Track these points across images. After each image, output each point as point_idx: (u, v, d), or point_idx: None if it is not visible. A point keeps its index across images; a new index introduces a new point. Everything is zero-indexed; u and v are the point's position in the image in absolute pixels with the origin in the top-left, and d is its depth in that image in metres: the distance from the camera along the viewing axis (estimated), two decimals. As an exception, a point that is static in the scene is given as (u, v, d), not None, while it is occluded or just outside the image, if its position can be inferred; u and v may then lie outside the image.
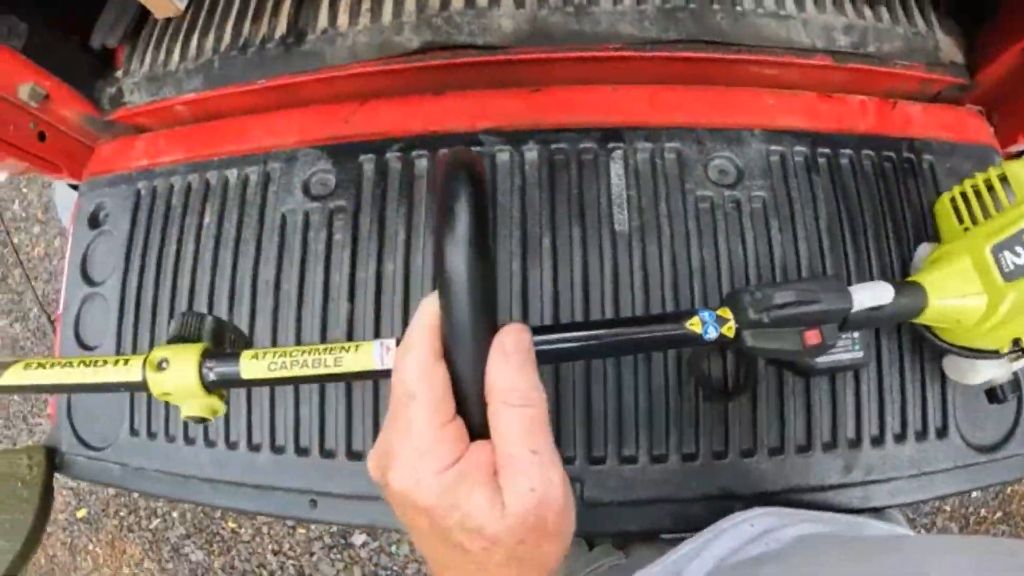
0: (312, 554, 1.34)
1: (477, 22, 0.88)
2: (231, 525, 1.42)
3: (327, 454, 0.80)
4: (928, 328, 0.76)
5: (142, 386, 0.51)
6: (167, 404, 0.87)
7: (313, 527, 1.35)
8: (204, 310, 0.85)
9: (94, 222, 0.96)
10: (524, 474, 0.38)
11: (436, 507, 0.38)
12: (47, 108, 0.95)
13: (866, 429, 0.83)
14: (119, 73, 1.00)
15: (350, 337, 0.79)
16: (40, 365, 0.54)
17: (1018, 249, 0.65)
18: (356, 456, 0.80)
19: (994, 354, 0.71)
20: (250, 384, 0.51)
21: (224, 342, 0.54)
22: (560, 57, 0.83)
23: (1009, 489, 1.72)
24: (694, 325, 0.56)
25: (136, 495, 1.48)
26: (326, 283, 0.81)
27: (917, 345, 0.86)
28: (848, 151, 0.88)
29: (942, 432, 0.87)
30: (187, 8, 0.95)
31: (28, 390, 0.56)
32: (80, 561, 1.54)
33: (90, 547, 1.54)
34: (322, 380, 0.52)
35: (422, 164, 0.83)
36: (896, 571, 0.44)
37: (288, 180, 0.85)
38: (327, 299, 0.81)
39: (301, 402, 0.80)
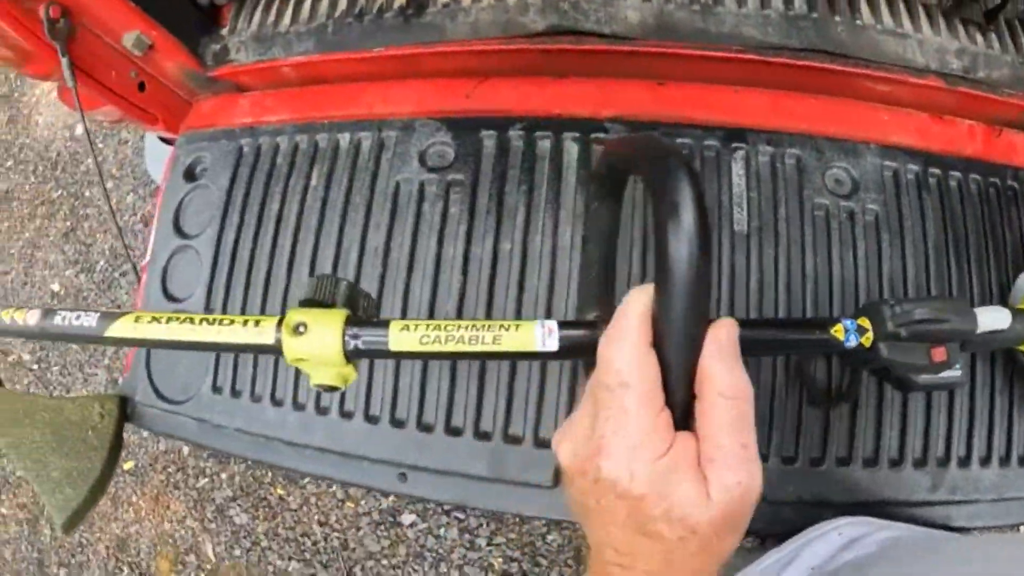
0: (359, 528, 1.32)
1: (604, 11, 0.87)
2: (279, 492, 1.40)
3: (424, 427, 0.78)
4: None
5: (274, 349, 0.48)
6: (254, 363, 0.85)
7: (363, 503, 1.33)
8: (305, 272, 0.83)
9: (190, 175, 0.93)
10: (732, 468, 0.38)
11: (647, 496, 0.38)
12: (150, 58, 0.93)
13: (955, 449, 0.83)
14: (224, 31, 0.97)
15: (460, 313, 0.78)
16: (154, 319, 0.52)
17: None
18: (454, 432, 0.78)
19: None
20: (398, 356, 0.49)
21: (358, 309, 0.52)
22: (686, 54, 0.82)
23: None
24: (837, 332, 0.56)
25: (201, 453, 1.45)
26: (438, 255, 0.79)
27: (1008, 370, 0.86)
28: (956, 173, 0.88)
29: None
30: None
31: (136, 343, 0.54)
32: (122, 512, 1.51)
33: (133, 499, 1.51)
34: (475, 357, 0.50)
35: (545, 145, 0.82)
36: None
37: (404, 149, 0.83)
38: (438, 271, 0.79)
39: (402, 373, 0.78)
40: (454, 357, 0.49)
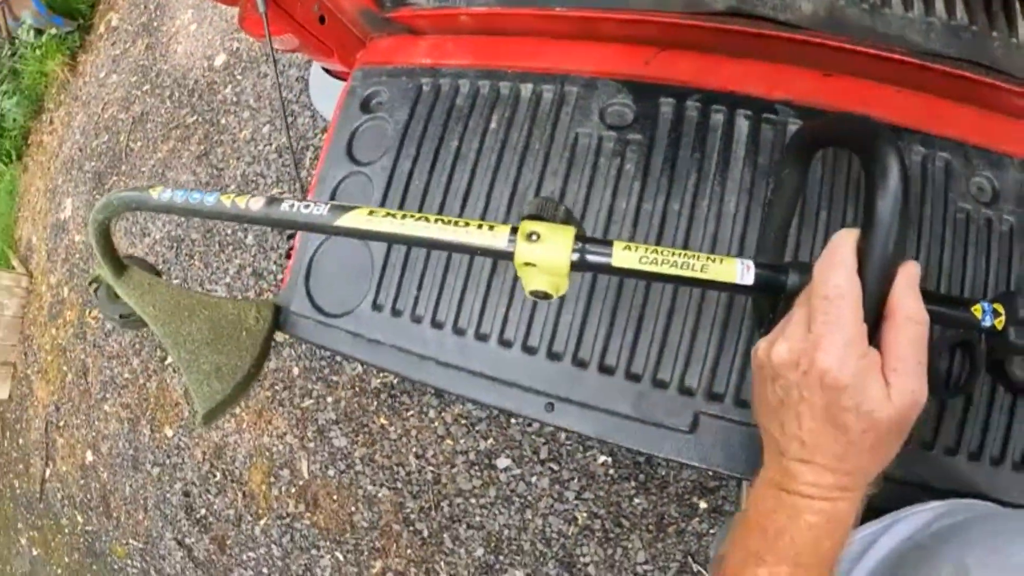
0: (453, 466, 1.36)
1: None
2: (382, 421, 1.43)
3: (579, 363, 0.82)
4: None
5: (505, 254, 0.54)
6: (419, 285, 0.88)
7: (462, 441, 1.36)
8: (480, 208, 0.86)
9: (366, 107, 0.96)
10: (910, 377, 0.46)
11: (849, 387, 0.45)
12: (332, -6, 0.95)
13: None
14: (402, -24, 0.99)
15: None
16: (389, 214, 0.55)
17: None
18: (607, 370, 0.82)
19: None
20: (618, 273, 0.55)
21: (579, 228, 0.57)
22: (855, 49, 0.85)
23: None
24: (976, 311, 0.61)
25: (310, 375, 1.47)
26: (611, 207, 0.83)
27: None
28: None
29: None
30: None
31: (369, 236, 0.57)
32: (223, 422, 1.54)
33: (236, 411, 1.54)
34: (681, 282, 0.55)
35: (718, 118, 0.85)
36: None
37: (586, 104, 0.86)
38: (609, 221, 0.82)
39: (564, 309, 0.82)
40: (664, 279, 0.54)
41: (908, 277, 0.47)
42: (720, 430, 0.81)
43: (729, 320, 0.82)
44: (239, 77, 2.03)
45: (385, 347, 0.90)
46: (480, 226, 0.55)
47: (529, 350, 0.84)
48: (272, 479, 1.48)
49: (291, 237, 1.00)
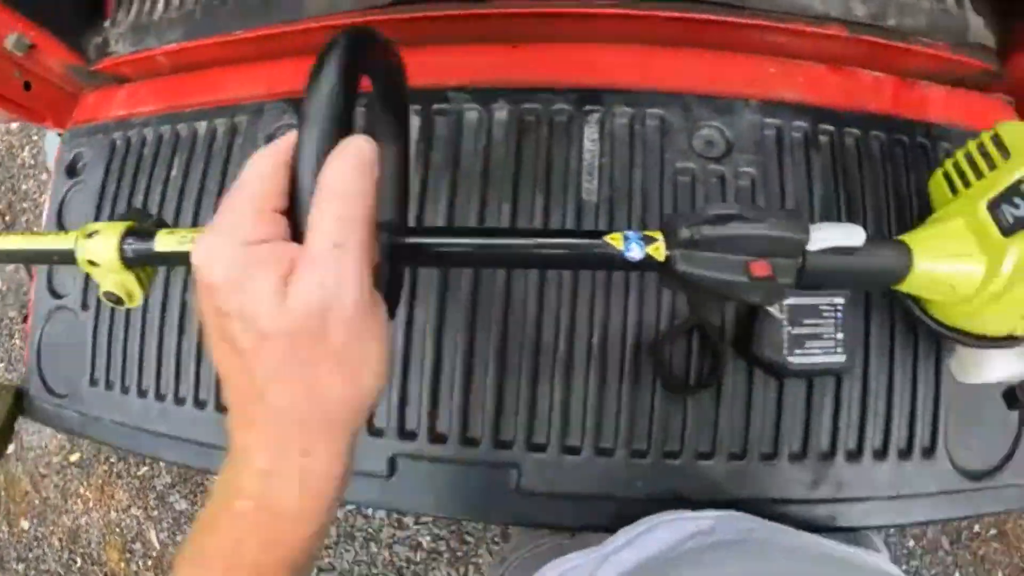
0: None
1: None
2: (216, 477, 1.38)
3: None
4: (925, 310, 0.64)
5: (71, 254, 0.51)
6: (124, 354, 0.83)
7: None
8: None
9: (72, 171, 0.92)
10: (317, 267, 0.32)
11: (222, 286, 0.32)
12: (33, 58, 0.91)
13: (842, 442, 0.72)
14: (107, 23, 0.94)
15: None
16: None
17: (1017, 201, 0.54)
18: None
19: (1008, 341, 0.59)
20: (164, 260, 0.49)
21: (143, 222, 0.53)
22: (541, 12, 0.73)
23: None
24: (615, 241, 0.46)
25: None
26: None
27: (910, 353, 0.74)
28: (854, 130, 0.76)
29: (928, 452, 0.76)
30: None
31: None
32: (71, 504, 1.54)
33: (81, 490, 1.54)
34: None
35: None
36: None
37: (253, 133, 0.78)
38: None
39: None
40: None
41: (340, 150, 0.33)
42: (421, 470, 0.71)
43: (410, 352, 0.71)
44: (35, 138, 1.98)
45: (106, 422, 0.84)
46: (56, 235, 0.53)
47: (222, 409, 0.76)
48: (128, 555, 1.46)
49: (25, 319, 0.96)
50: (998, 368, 0.65)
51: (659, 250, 0.46)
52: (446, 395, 0.71)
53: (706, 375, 0.70)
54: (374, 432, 0.71)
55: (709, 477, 0.70)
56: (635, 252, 0.46)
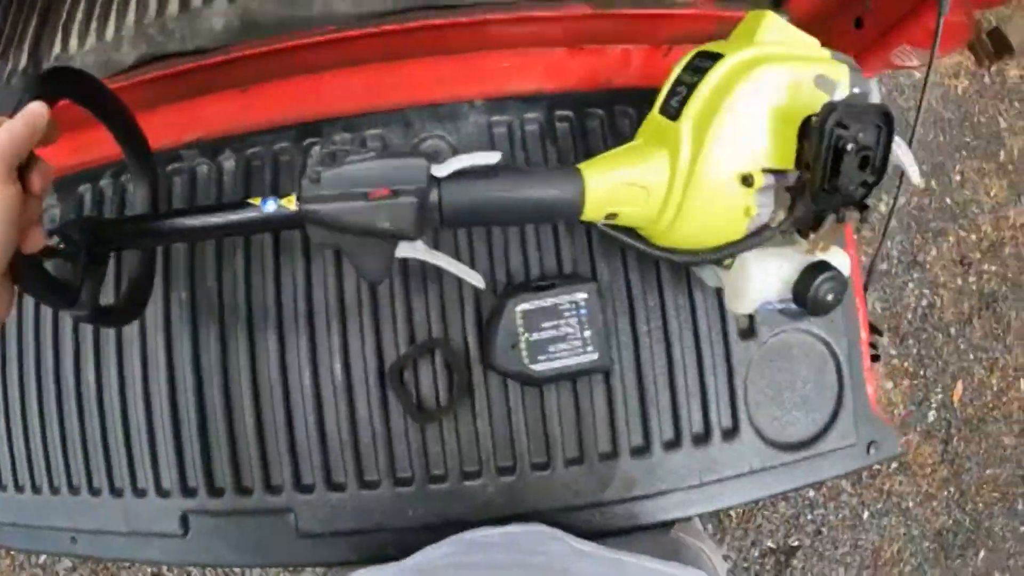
0: None
1: (189, 26, 0.77)
2: None
3: (74, 491, 0.73)
4: (650, 245, 0.59)
5: None
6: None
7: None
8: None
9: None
10: None
11: None
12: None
13: (623, 439, 0.68)
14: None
15: None
16: None
17: (678, 90, 0.55)
18: (96, 492, 0.73)
19: (736, 245, 0.54)
20: None
21: None
22: (258, 52, 0.71)
23: (903, 439, 1.45)
24: (255, 202, 0.52)
25: None
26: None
27: (691, 336, 0.69)
28: (599, 110, 0.70)
29: (732, 433, 0.70)
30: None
31: None
32: None
33: None
34: None
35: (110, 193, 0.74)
36: None
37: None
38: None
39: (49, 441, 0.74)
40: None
41: None
42: (210, 524, 0.70)
43: (177, 411, 0.70)
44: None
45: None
46: None
47: (54, 490, 0.76)
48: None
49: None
50: (756, 285, 0.56)
51: (291, 201, 0.51)
52: (215, 449, 0.70)
53: (454, 395, 0.66)
54: (162, 493, 0.71)
55: (482, 496, 0.67)
56: (270, 206, 0.51)
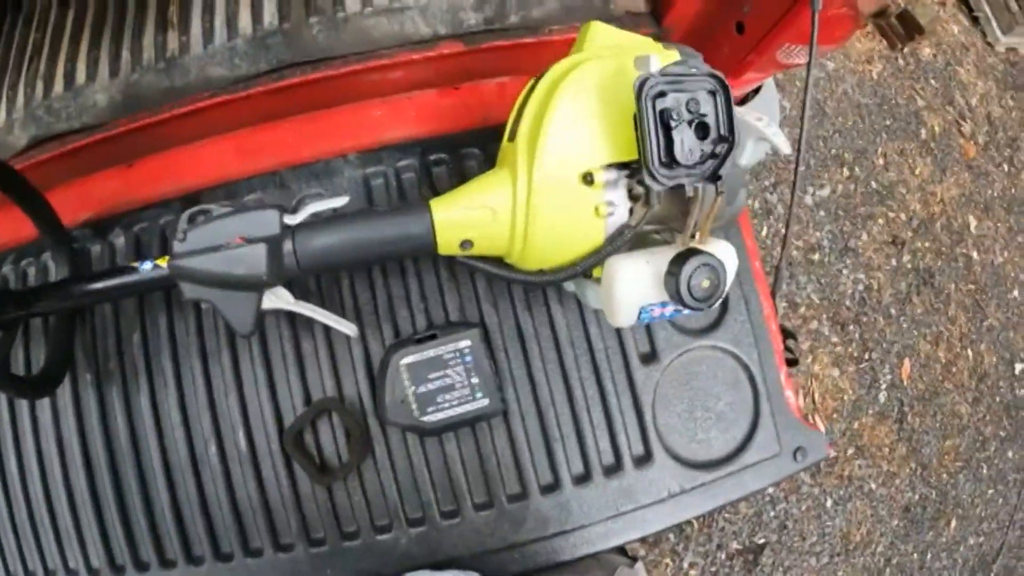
0: None
1: (74, 103, 0.77)
2: None
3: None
4: (509, 267, 0.58)
5: None
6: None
7: None
8: None
9: None
10: None
11: None
12: None
13: (531, 478, 0.67)
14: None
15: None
16: None
17: (519, 117, 0.54)
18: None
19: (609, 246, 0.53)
20: None
21: None
22: (140, 125, 0.70)
23: (856, 423, 1.45)
24: (134, 265, 0.56)
25: None
26: None
27: (589, 363, 0.68)
28: (475, 149, 0.70)
29: (645, 459, 0.70)
30: None
31: None
32: None
33: None
34: None
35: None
36: None
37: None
38: None
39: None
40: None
41: None
42: None
43: (98, 492, 0.68)
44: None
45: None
46: None
47: None
48: None
49: None
50: (626, 288, 0.53)
51: (164, 260, 0.55)
52: (136, 526, 0.68)
53: (349, 455, 0.65)
54: (92, 572, 0.68)
55: (396, 549, 0.66)
56: (147, 267, 0.55)
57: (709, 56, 0.80)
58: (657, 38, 0.76)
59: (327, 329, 0.67)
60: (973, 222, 1.64)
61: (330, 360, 0.67)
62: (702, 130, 0.45)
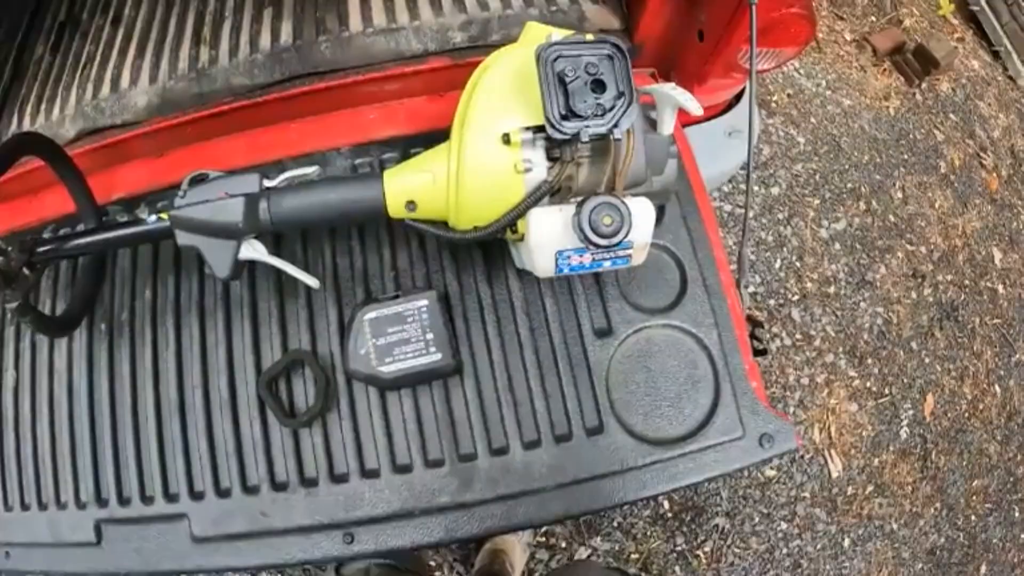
0: None
1: (118, 104, 0.91)
2: None
3: (21, 506, 0.80)
4: (447, 227, 0.66)
5: None
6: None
7: None
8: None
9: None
10: None
11: None
12: None
13: (483, 439, 0.71)
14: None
15: None
16: None
17: None
18: (26, 507, 0.79)
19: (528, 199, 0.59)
20: None
21: None
22: (170, 124, 0.84)
23: (876, 460, 1.35)
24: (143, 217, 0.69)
25: None
26: None
27: (544, 332, 0.74)
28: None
29: (597, 430, 0.73)
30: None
31: None
32: None
33: None
34: None
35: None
36: None
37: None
38: None
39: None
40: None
41: None
42: (120, 533, 0.75)
43: (96, 426, 0.77)
44: None
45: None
46: None
47: None
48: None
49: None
50: (541, 233, 0.59)
51: (166, 215, 0.65)
52: (124, 462, 0.76)
53: (317, 403, 0.71)
54: (80, 505, 0.76)
55: (356, 498, 0.70)
56: (152, 218, 0.66)
57: (679, 65, 0.89)
58: (631, 52, 0.85)
59: (308, 293, 0.76)
60: (998, 255, 1.60)
61: (308, 320, 0.75)
62: (599, 87, 0.53)
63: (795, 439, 0.75)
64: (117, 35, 0.98)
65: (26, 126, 0.95)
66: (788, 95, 1.66)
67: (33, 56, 1.05)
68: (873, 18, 1.91)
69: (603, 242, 0.52)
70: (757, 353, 0.80)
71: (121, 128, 0.90)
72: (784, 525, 1.37)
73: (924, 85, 1.63)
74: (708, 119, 1.00)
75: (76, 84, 0.94)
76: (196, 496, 0.74)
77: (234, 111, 0.85)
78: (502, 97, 0.59)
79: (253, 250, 0.65)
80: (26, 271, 0.67)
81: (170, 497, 0.74)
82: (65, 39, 1.04)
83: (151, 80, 0.91)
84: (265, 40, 0.89)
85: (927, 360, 1.50)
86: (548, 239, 0.58)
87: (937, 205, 1.60)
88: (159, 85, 0.91)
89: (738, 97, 1.02)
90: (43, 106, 0.97)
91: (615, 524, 1.28)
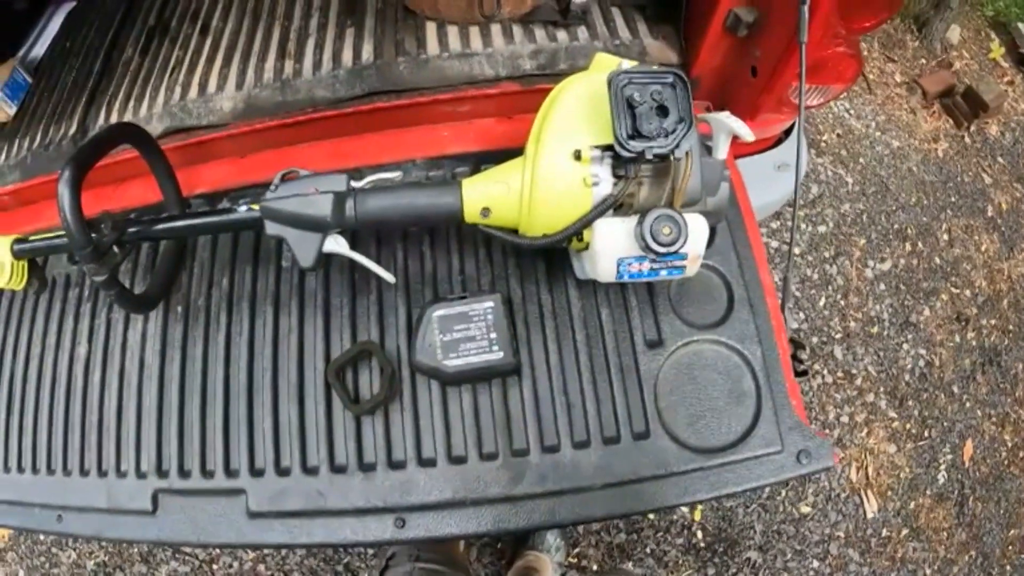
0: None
1: (205, 107, 1.03)
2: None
3: (80, 472, 0.88)
4: (517, 234, 0.74)
5: None
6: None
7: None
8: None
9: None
10: None
11: None
12: None
13: (535, 436, 0.79)
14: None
15: None
16: None
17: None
18: (68, 472, 0.88)
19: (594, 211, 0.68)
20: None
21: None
22: (253, 129, 0.95)
23: (913, 503, 1.39)
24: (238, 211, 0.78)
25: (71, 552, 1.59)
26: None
27: (599, 340, 0.82)
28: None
29: (643, 435, 0.81)
30: (15, 115, 1.18)
31: None
32: None
33: None
34: None
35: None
36: None
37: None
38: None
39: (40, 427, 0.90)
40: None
41: None
42: (177, 504, 0.83)
43: (163, 400, 0.86)
44: None
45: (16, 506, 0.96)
46: None
47: (50, 471, 0.92)
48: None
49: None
50: (605, 243, 0.69)
51: (256, 206, 0.75)
52: (188, 436, 0.85)
53: (383, 392, 0.80)
54: (140, 475, 0.85)
55: (407, 485, 0.78)
56: (243, 208, 0.75)
57: (732, 99, 0.98)
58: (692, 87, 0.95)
59: (380, 288, 0.85)
60: (1045, 302, 1.63)
61: (378, 315, 0.84)
62: (663, 112, 0.63)
63: (833, 457, 0.81)
64: (205, 43, 1.11)
65: (114, 120, 1.07)
66: (838, 135, 1.76)
67: (123, 56, 1.18)
68: (923, 60, 2.01)
69: (662, 250, 0.61)
70: (798, 374, 0.88)
71: (206, 129, 1.02)
72: (816, 563, 1.41)
73: (973, 128, 1.71)
74: (758, 152, 1.10)
75: (164, 86, 1.07)
76: (256, 473, 0.82)
77: (316, 120, 0.96)
78: (575, 117, 0.69)
79: (337, 244, 0.75)
80: (115, 248, 0.77)
81: (230, 472, 0.83)
82: (154, 44, 1.17)
83: (237, 87, 1.03)
84: (347, 57, 1.01)
85: (968, 404, 1.54)
86: (612, 247, 0.68)
87: (983, 248, 1.67)
88: (244, 92, 1.03)
89: (787, 133, 1.11)
90: (131, 104, 1.09)
91: (648, 551, 1.34)
